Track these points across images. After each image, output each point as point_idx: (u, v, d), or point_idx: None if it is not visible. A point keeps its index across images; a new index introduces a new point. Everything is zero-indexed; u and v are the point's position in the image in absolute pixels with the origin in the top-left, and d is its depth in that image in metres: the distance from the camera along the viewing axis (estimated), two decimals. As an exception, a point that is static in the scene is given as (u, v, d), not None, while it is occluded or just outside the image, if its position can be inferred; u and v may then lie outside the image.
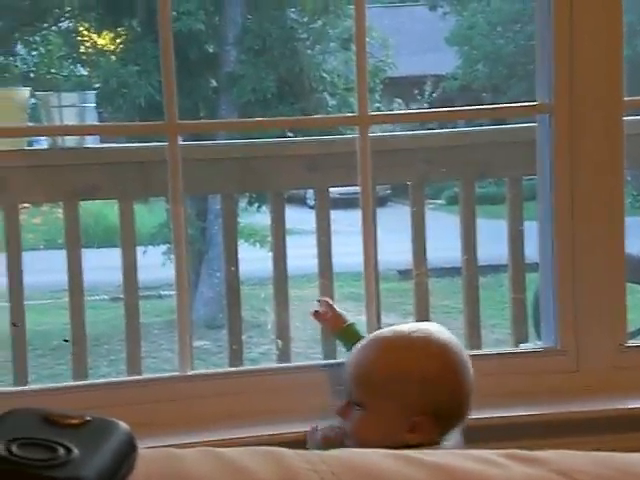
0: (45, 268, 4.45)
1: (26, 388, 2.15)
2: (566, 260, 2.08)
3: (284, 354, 2.38)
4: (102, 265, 3.86)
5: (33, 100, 2.75)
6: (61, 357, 5.44)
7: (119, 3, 7.18)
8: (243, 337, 2.45)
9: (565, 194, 2.07)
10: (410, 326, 1.71)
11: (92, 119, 2.62)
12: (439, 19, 9.53)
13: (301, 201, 7.03)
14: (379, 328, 1.97)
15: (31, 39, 7.59)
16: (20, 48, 7.60)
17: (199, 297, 6.45)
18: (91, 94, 2.67)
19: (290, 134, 4.35)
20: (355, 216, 2.08)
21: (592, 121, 2.03)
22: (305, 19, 7.61)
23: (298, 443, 1.73)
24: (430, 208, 2.46)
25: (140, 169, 2.40)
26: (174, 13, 2.24)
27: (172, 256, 2.35)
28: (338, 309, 1.95)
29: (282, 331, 2.37)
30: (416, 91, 9.50)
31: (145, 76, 6.96)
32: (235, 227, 2.47)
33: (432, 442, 1.59)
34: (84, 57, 7.74)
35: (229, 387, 2.00)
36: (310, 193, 5.83)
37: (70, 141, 2.43)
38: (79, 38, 7.70)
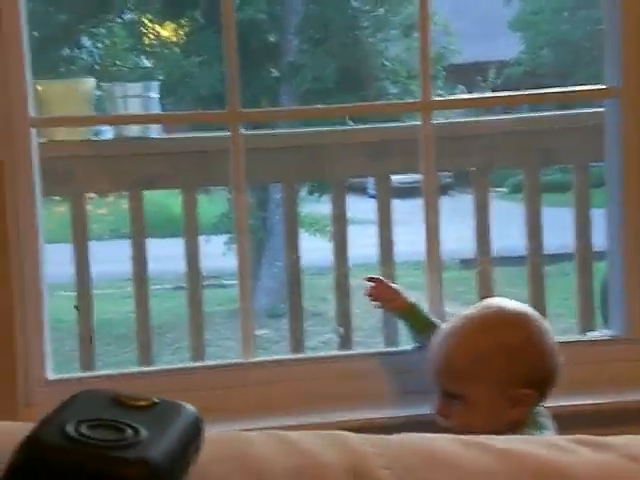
0: (110, 258, 4.51)
1: (95, 374, 2.18)
2: (635, 248, 2.04)
3: (346, 342, 2.38)
4: (165, 254, 3.90)
5: (98, 92, 2.78)
6: (126, 346, 5.51)
7: (181, -6, 7.24)
8: (304, 326, 2.45)
9: (634, 180, 2.02)
10: (479, 306, 1.70)
11: (156, 110, 2.64)
12: (502, 4, 9.41)
13: (362, 191, 7.01)
14: (442, 317, 1.96)
15: (96, 31, 7.69)
16: (85, 40, 7.71)
17: (260, 286, 6.48)
18: (155, 85, 2.68)
19: (351, 123, 4.33)
20: (413, 205, 2.06)
21: (661, 105, 1.98)
22: (367, 7, 7.57)
23: (363, 430, 1.72)
24: (492, 196, 2.42)
25: (202, 159, 2.41)
26: (236, 1, 2.24)
27: (233, 245, 2.36)
28: (392, 284, 1.93)
29: (344, 319, 2.36)
30: (479, 77, 9.37)
31: (207, 67, 7.00)
32: (296, 216, 2.46)
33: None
34: (148, 49, 7.82)
35: (293, 374, 2.01)
36: (370, 183, 5.82)
37: (134, 131, 2.46)
38: (143, 30, 7.78)
